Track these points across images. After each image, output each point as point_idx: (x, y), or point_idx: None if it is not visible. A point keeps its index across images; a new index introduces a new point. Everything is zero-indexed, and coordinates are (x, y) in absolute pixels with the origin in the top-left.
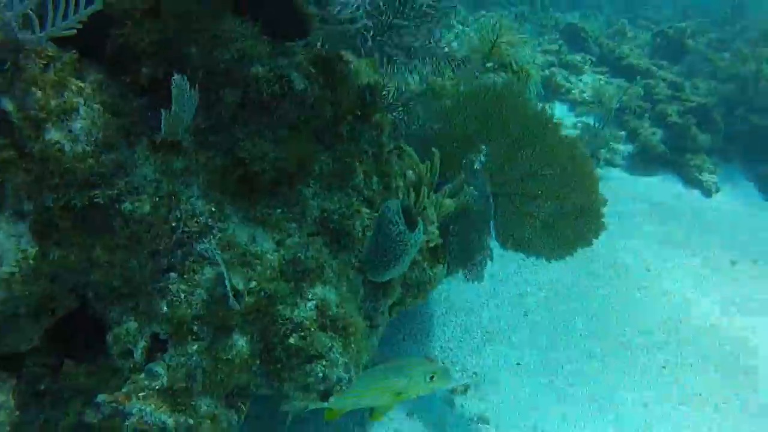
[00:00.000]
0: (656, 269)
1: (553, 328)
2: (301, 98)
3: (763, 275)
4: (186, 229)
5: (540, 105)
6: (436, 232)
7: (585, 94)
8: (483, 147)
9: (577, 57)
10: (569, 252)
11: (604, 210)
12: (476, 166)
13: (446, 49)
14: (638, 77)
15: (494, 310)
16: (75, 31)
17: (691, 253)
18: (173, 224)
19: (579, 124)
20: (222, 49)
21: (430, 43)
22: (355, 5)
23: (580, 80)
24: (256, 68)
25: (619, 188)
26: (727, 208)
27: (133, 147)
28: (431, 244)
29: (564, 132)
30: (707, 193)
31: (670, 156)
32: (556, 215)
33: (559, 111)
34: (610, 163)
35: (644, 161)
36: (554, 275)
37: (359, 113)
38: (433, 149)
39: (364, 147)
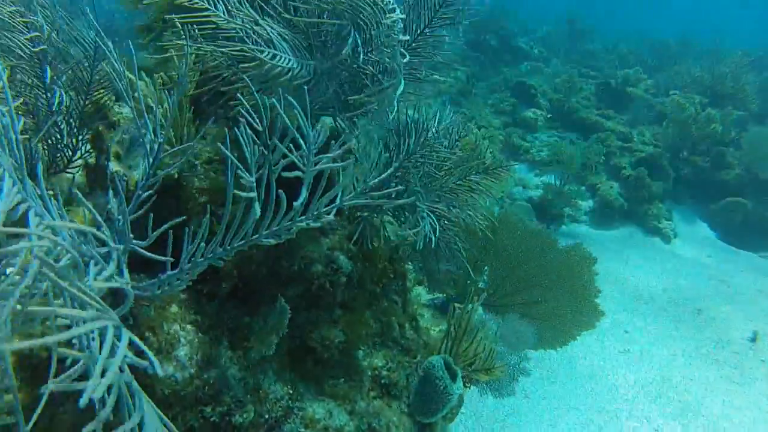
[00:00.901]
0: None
1: None
2: (349, 279)
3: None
4: (273, 414)
5: (537, 224)
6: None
7: (542, 153)
8: (485, 267)
9: (530, 113)
10: (572, 339)
11: (598, 299)
12: (480, 285)
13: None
14: (593, 135)
15: None
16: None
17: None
18: (266, 416)
19: (541, 184)
20: (289, 258)
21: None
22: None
23: (536, 138)
24: (316, 268)
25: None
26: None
27: (217, 349)
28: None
29: (556, 242)
30: (666, 239)
31: (629, 207)
32: (556, 313)
33: (520, 170)
34: (574, 220)
35: (605, 215)
36: None
37: (390, 273)
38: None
39: (393, 298)
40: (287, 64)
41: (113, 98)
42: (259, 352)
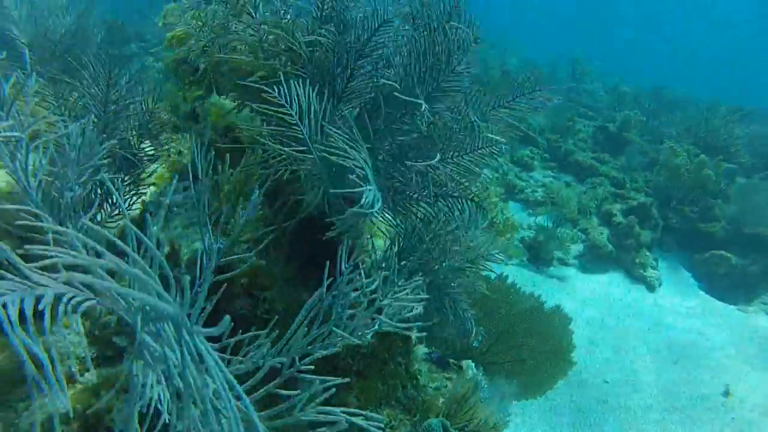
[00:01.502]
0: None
1: None
2: (369, 352)
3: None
4: None
5: (527, 292)
6: None
7: (537, 194)
8: (481, 329)
9: (527, 152)
10: (549, 388)
11: (573, 354)
12: (474, 344)
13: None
14: (588, 179)
15: None
16: None
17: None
18: None
19: (534, 224)
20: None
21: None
22: None
23: (531, 177)
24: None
25: (576, 290)
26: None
27: None
28: None
29: (543, 305)
30: (651, 288)
31: (617, 254)
32: (536, 368)
33: (513, 209)
34: (564, 263)
35: (594, 260)
36: None
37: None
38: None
39: (399, 360)
40: (373, 200)
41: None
42: None
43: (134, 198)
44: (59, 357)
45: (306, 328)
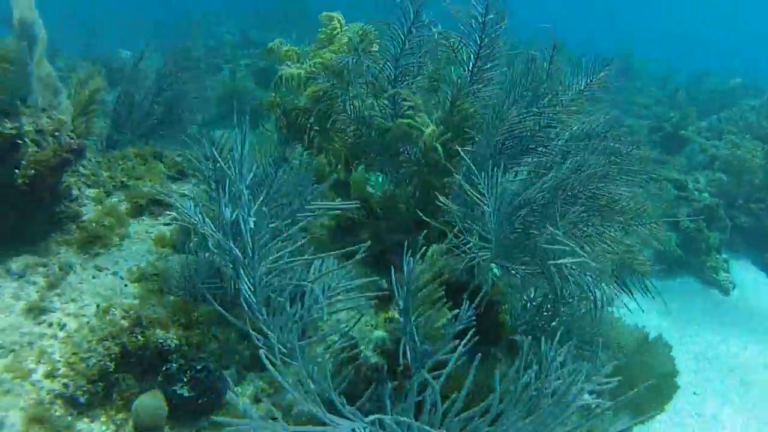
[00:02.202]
0: None
1: None
2: None
3: None
4: None
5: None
6: None
7: None
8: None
9: None
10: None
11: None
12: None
13: None
14: (650, 183)
15: None
16: None
17: None
18: None
19: None
20: None
21: None
22: None
23: None
24: None
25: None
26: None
27: None
28: None
29: (647, 335)
30: (725, 291)
31: (686, 258)
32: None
33: None
34: None
35: (663, 265)
36: None
37: None
38: None
39: None
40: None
41: None
42: None
43: None
44: None
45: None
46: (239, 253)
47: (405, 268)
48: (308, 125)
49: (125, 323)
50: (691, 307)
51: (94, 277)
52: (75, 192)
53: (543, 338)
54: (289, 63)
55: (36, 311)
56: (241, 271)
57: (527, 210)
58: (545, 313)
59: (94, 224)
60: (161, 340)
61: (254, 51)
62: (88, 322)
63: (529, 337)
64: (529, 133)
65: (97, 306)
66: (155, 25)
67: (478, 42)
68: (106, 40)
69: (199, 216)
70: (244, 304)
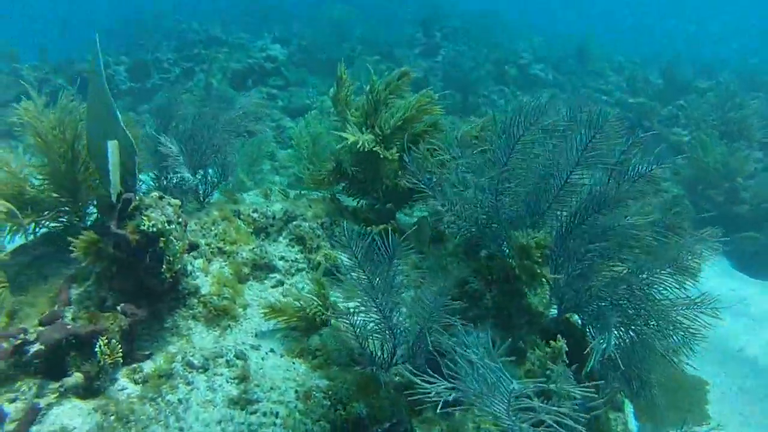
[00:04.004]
0: None
1: None
2: None
3: None
4: None
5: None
6: None
7: None
8: None
9: None
10: None
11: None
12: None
13: None
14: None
15: None
16: None
17: None
18: None
19: None
20: None
21: None
22: None
23: None
24: None
25: None
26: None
27: None
28: None
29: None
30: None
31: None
32: None
33: None
34: None
35: None
36: None
37: None
38: None
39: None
40: None
41: None
42: None
43: None
44: None
45: None
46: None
47: None
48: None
49: (327, 402)
50: None
51: (263, 359)
52: (189, 267)
53: None
54: (351, 122)
55: (243, 402)
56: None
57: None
58: None
59: (215, 297)
60: (358, 412)
61: (224, 50)
62: (295, 407)
63: None
64: None
65: (296, 391)
66: (113, 24)
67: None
68: (63, 41)
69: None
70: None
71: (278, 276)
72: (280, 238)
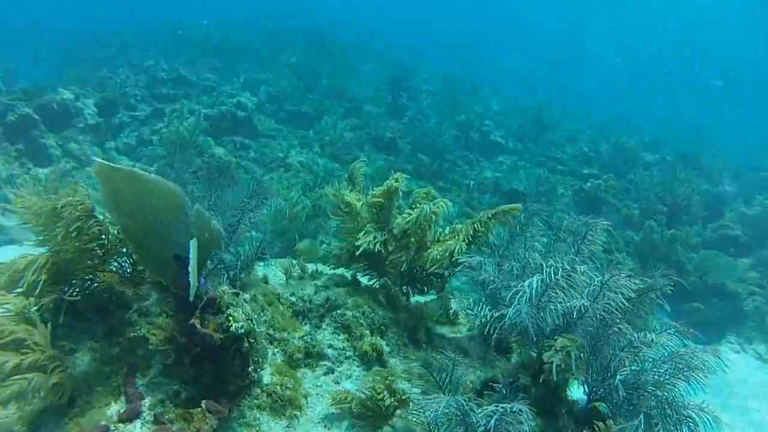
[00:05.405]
0: None
1: None
2: None
3: None
4: None
5: None
6: None
7: None
8: None
9: None
10: None
11: None
12: None
13: None
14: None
15: None
16: None
17: None
18: None
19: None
20: None
21: None
22: None
23: None
24: None
25: None
26: None
27: None
28: None
29: None
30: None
31: None
32: None
33: None
34: None
35: None
36: None
37: None
38: None
39: None
40: None
41: None
42: None
43: None
44: None
45: None
46: None
47: None
48: None
49: None
50: None
51: None
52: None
53: None
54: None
55: None
56: None
57: None
58: None
59: (279, 387)
60: None
61: (192, 92)
62: None
63: None
64: None
65: None
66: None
67: None
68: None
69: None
70: None
71: (328, 363)
72: (323, 325)
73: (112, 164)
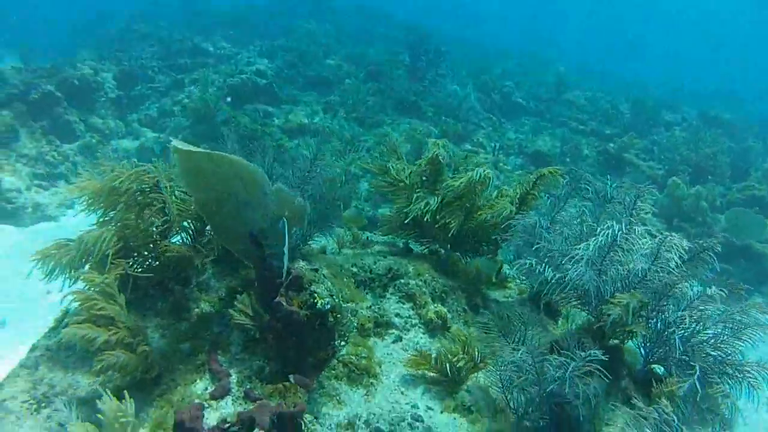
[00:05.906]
0: None
1: None
2: None
3: None
4: None
5: None
6: None
7: None
8: None
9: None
10: None
11: None
12: None
13: None
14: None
15: None
16: None
17: None
18: None
19: None
20: None
21: None
22: None
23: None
24: None
25: None
26: None
27: None
28: None
29: None
30: None
31: None
32: None
33: None
34: None
35: None
36: None
37: None
38: None
39: None
40: None
41: None
42: None
43: None
44: None
45: None
46: None
47: None
48: None
49: None
50: None
51: (431, 417)
52: None
53: None
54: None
55: None
56: None
57: None
58: None
59: (354, 357)
60: None
61: (209, 61)
62: None
63: None
64: None
65: None
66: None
67: None
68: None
69: None
70: None
71: (396, 332)
72: (387, 294)
73: (190, 148)
